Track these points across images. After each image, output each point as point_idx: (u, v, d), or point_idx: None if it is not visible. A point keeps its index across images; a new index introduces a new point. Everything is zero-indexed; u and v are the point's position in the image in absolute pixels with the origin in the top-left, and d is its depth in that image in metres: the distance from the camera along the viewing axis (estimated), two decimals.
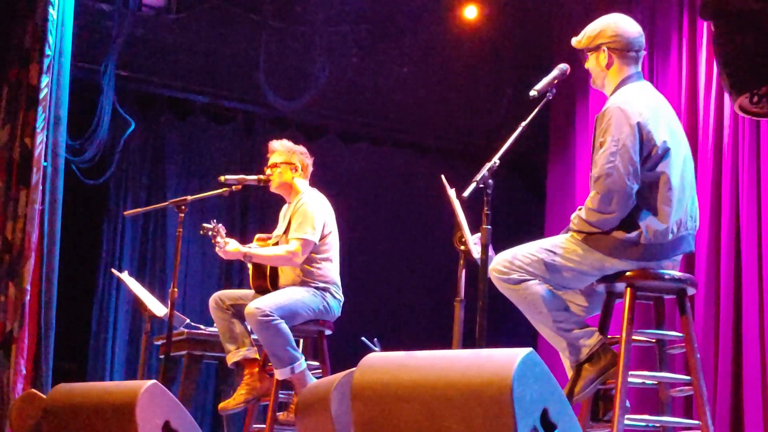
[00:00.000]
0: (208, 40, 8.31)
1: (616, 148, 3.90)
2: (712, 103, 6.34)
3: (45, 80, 6.32)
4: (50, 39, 6.34)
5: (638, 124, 3.93)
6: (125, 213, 6.90)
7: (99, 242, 8.36)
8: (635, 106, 3.98)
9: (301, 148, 5.89)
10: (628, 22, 4.21)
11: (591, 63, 4.21)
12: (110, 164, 8.16)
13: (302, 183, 5.82)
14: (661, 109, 4.09)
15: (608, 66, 4.15)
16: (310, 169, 5.88)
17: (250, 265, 5.67)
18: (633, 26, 4.19)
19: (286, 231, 5.66)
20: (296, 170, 5.80)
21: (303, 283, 5.57)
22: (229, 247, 5.49)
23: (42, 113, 6.29)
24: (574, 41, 4.27)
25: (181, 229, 5.64)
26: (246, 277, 5.63)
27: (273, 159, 5.83)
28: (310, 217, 5.59)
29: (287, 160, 5.80)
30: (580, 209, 4.02)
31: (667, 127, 4.02)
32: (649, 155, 3.94)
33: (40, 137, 6.30)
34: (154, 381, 3.89)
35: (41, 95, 6.29)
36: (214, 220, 5.52)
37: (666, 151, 3.96)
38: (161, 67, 8.45)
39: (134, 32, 7.93)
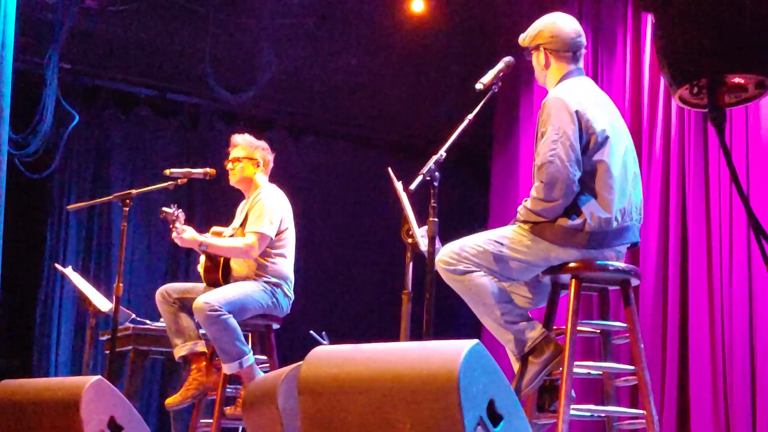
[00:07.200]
0: (153, 32, 8.23)
1: (558, 136, 3.93)
2: (660, 98, 6.37)
3: None
4: None
5: (577, 112, 3.96)
6: (68, 207, 6.80)
7: (43, 237, 8.25)
8: (573, 96, 4.02)
9: (263, 144, 5.87)
10: (568, 22, 4.22)
11: (534, 61, 4.27)
12: (54, 158, 8.05)
13: (262, 178, 5.81)
14: (601, 100, 4.13)
15: (546, 66, 4.21)
16: (271, 165, 5.87)
17: (203, 257, 5.64)
18: (571, 27, 4.20)
19: (243, 224, 5.64)
20: (258, 165, 5.79)
21: (255, 277, 5.55)
22: (185, 234, 5.45)
23: None
24: (520, 39, 4.32)
25: (125, 224, 5.59)
26: (192, 272, 5.58)
27: (235, 153, 5.80)
28: (268, 211, 5.57)
29: (249, 155, 5.78)
30: (526, 200, 4.05)
31: (606, 116, 4.05)
32: (589, 143, 3.97)
33: None
34: (99, 377, 3.86)
35: None
36: (175, 205, 5.46)
37: (605, 140, 3.99)
38: (105, 60, 8.36)
39: (78, 24, 7.83)
